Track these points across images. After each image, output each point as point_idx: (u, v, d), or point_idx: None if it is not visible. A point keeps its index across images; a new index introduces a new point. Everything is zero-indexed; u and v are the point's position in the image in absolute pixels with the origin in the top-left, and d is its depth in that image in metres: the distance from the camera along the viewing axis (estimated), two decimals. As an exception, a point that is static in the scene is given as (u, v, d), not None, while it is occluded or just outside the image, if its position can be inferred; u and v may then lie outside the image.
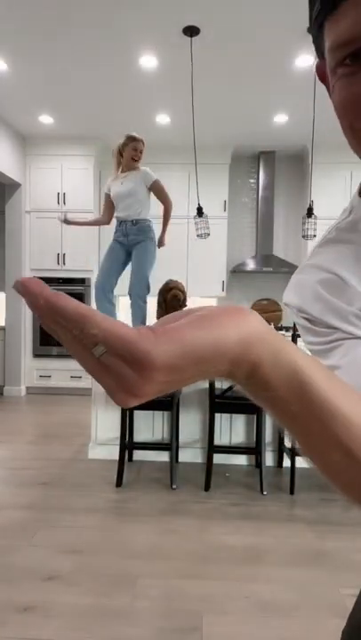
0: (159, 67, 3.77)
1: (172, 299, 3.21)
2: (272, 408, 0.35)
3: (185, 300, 3.27)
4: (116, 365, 0.27)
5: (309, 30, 0.50)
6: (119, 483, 2.80)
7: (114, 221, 3.54)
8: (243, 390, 0.35)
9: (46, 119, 4.92)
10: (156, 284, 3.50)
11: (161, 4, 2.99)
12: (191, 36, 3.30)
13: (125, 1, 2.97)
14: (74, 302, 0.26)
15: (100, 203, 5.60)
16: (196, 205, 3.86)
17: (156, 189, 3.48)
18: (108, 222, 3.60)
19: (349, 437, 0.34)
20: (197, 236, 3.87)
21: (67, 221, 3.57)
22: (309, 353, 0.54)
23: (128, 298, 3.41)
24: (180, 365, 0.28)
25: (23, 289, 0.27)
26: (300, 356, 0.33)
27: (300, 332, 0.55)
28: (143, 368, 0.27)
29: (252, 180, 5.94)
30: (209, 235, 3.89)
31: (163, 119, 4.82)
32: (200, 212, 3.79)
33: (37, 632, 1.57)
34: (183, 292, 3.27)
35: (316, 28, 0.47)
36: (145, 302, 3.40)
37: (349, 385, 0.36)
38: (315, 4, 0.46)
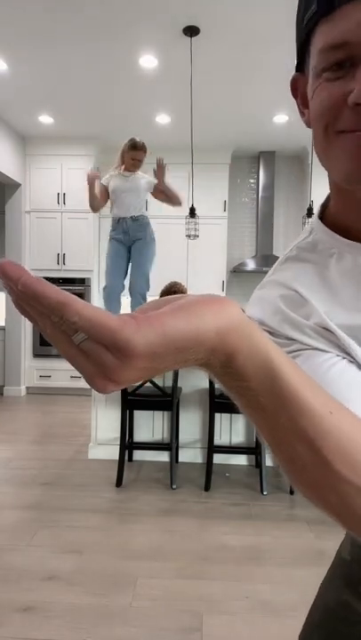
0: (159, 67, 3.77)
1: None
2: (242, 399, 0.36)
3: None
4: (97, 351, 0.27)
5: (298, 33, 0.49)
6: (119, 483, 2.80)
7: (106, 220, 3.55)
8: (215, 380, 0.35)
9: (46, 119, 4.92)
10: (155, 284, 3.50)
11: (161, 3, 2.99)
12: (191, 36, 3.30)
13: (125, 1, 2.97)
14: (54, 288, 0.26)
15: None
16: (192, 205, 3.85)
17: (158, 191, 3.53)
18: (97, 208, 3.56)
19: (314, 430, 0.35)
20: (186, 236, 3.87)
21: (90, 178, 3.41)
22: None
23: (128, 295, 3.42)
24: (160, 353, 0.28)
25: (1, 272, 0.26)
26: (273, 347, 0.34)
27: None
28: (124, 355, 0.27)
29: (252, 180, 5.94)
30: (198, 236, 3.88)
31: (163, 119, 4.82)
32: (193, 212, 3.78)
33: (37, 632, 1.57)
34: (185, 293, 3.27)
35: (306, 31, 0.46)
36: (145, 299, 3.41)
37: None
38: (310, 6, 0.45)
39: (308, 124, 0.52)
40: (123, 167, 3.42)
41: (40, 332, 0.29)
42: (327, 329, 0.50)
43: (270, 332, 0.53)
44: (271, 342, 0.35)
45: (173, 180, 5.48)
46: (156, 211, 5.11)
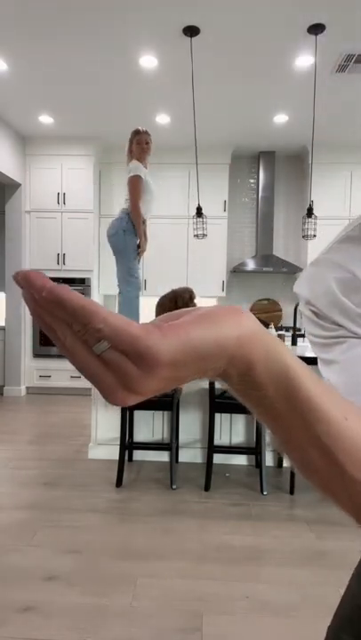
0: (159, 67, 3.77)
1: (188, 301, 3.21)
2: (258, 407, 0.36)
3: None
4: (119, 361, 0.27)
5: None
6: (119, 483, 2.80)
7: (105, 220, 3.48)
8: (231, 390, 0.35)
9: (46, 119, 4.92)
10: (156, 284, 3.50)
11: (161, 4, 2.99)
12: (191, 36, 3.30)
13: (125, 1, 2.97)
14: (80, 296, 0.26)
15: (100, 202, 5.63)
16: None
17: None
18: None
19: (328, 437, 0.35)
20: (194, 236, 3.89)
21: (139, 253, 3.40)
22: (310, 344, 0.56)
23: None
24: (183, 361, 0.28)
25: (25, 281, 0.26)
26: (290, 356, 0.34)
27: (304, 322, 0.56)
28: (148, 364, 0.27)
29: (252, 180, 5.94)
30: (206, 235, 3.90)
31: (163, 119, 4.82)
32: (199, 212, 3.80)
33: (37, 632, 1.57)
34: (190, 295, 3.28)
35: None
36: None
37: (339, 382, 0.37)
38: None
39: None
40: (134, 159, 3.32)
41: (56, 343, 0.28)
42: None
43: (316, 313, 0.53)
44: (288, 351, 0.35)
45: (173, 180, 5.50)
46: (157, 211, 5.12)
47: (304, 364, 0.36)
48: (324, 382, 0.37)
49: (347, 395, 0.40)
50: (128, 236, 3.33)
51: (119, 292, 3.44)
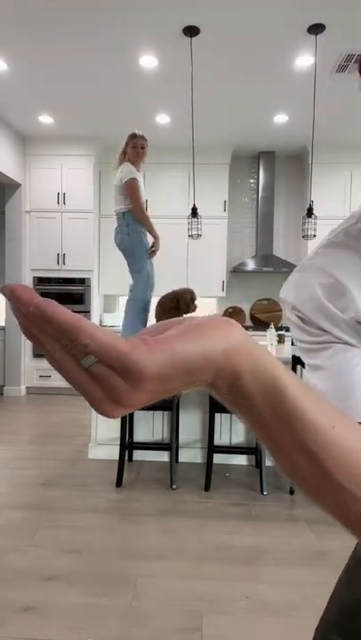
0: (159, 67, 3.77)
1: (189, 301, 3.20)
2: (247, 416, 0.36)
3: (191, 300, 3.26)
4: (106, 375, 0.27)
5: None
6: (119, 483, 2.80)
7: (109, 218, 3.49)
8: (220, 399, 0.36)
9: (46, 119, 4.92)
10: (156, 284, 3.49)
11: (161, 4, 2.99)
12: (191, 36, 3.30)
13: (125, 1, 2.97)
14: (66, 311, 0.26)
15: (100, 202, 5.62)
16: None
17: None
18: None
19: (316, 444, 0.36)
20: (189, 236, 3.88)
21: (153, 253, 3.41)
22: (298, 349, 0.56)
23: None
24: (170, 375, 0.28)
25: (12, 295, 0.26)
26: (277, 367, 0.35)
27: (290, 328, 0.57)
28: (135, 378, 0.27)
29: (252, 180, 5.94)
30: (200, 236, 3.90)
31: (163, 119, 4.82)
32: (195, 212, 3.80)
33: (37, 632, 1.57)
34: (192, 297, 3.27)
35: None
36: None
37: (326, 388, 0.38)
38: None
39: None
40: (127, 162, 3.34)
41: (46, 356, 0.29)
42: None
43: (302, 319, 0.53)
44: (275, 360, 0.35)
45: (173, 180, 5.50)
46: (157, 211, 5.13)
47: (292, 374, 0.36)
48: (313, 391, 0.37)
49: (333, 401, 0.40)
50: (134, 236, 3.33)
51: (129, 290, 3.45)
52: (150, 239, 3.41)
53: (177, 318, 0.33)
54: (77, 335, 0.26)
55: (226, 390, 0.34)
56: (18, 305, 0.26)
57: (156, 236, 3.39)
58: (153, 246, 3.39)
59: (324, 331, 0.51)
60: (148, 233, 3.38)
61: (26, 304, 0.26)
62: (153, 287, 3.42)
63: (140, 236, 3.35)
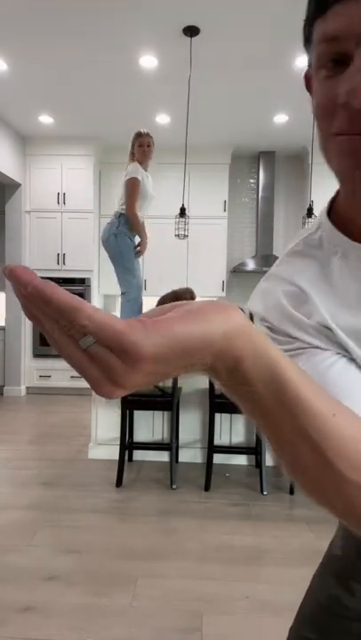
0: (159, 67, 3.77)
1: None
2: (247, 403, 0.36)
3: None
4: (104, 356, 0.28)
5: (303, 30, 0.51)
6: (119, 483, 2.80)
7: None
8: (220, 385, 0.36)
9: (46, 119, 4.92)
10: (155, 284, 3.50)
11: (161, 4, 2.99)
12: (191, 36, 3.30)
13: (125, 1, 2.97)
14: (64, 292, 0.27)
15: (100, 202, 5.62)
16: (186, 205, 3.80)
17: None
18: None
19: (318, 432, 0.35)
20: (175, 235, 3.77)
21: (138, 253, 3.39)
22: None
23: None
24: (167, 356, 0.28)
25: (12, 276, 0.27)
26: (277, 352, 0.35)
27: None
28: (132, 358, 0.27)
29: (252, 180, 5.94)
30: (187, 236, 3.79)
31: (163, 119, 4.82)
32: (183, 212, 3.72)
33: (37, 632, 1.57)
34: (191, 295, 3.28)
35: (309, 28, 0.48)
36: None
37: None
38: (311, 5, 0.47)
39: None
40: (135, 161, 3.32)
41: (46, 336, 0.29)
42: (328, 327, 0.51)
43: (270, 329, 0.54)
44: (275, 347, 0.35)
45: (173, 180, 5.50)
46: (157, 211, 5.12)
47: (292, 361, 0.36)
48: (311, 379, 0.37)
49: None
50: (121, 238, 3.29)
51: (121, 294, 3.43)
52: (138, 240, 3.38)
53: (176, 302, 0.33)
54: (75, 316, 0.26)
55: (226, 375, 0.33)
56: (18, 285, 0.27)
57: (143, 237, 3.33)
58: (139, 245, 3.35)
59: (294, 338, 0.51)
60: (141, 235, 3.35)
61: (25, 284, 0.26)
62: (142, 287, 3.47)
63: (126, 239, 3.30)
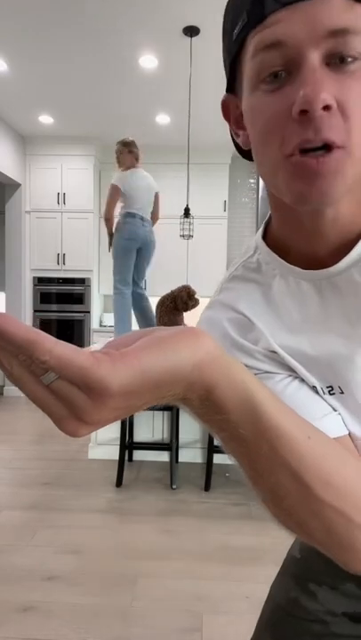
0: (159, 67, 3.77)
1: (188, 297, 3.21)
2: (222, 432, 0.35)
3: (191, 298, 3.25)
4: (68, 392, 0.26)
5: (228, 49, 0.47)
6: (119, 483, 2.80)
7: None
8: (194, 415, 0.35)
9: (46, 119, 4.92)
10: (155, 284, 3.51)
11: (161, 4, 2.99)
12: (191, 36, 3.30)
13: (125, 1, 2.97)
14: (23, 326, 0.25)
15: (101, 201, 5.62)
16: (187, 205, 3.86)
17: (157, 200, 3.73)
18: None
19: (294, 456, 0.35)
20: (180, 236, 3.87)
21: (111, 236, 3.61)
22: None
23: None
24: (136, 391, 0.27)
25: None
26: (249, 376, 0.34)
27: None
28: (99, 394, 0.26)
29: (252, 180, 5.94)
30: (192, 236, 3.89)
31: (163, 119, 4.82)
32: (187, 212, 3.78)
33: (37, 632, 1.57)
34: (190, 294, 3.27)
35: (237, 46, 0.44)
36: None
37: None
38: (238, 20, 0.43)
39: (247, 145, 0.49)
40: (126, 167, 3.55)
41: (3, 372, 0.27)
42: (274, 351, 0.51)
43: None
44: (247, 371, 0.34)
45: (173, 180, 5.50)
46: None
47: (263, 385, 0.36)
48: (282, 402, 0.37)
49: None
50: (114, 240, 3.56)
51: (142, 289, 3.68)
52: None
53: (145, 329, 0.31)
54: (34, 351, 0.25)
55: (198, 404, 0.32)
56: None
57: (110, 232, 3.62)
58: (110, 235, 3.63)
59: (245, 365, 0.53)
60: (131, 236, 3.54)
61: None
62: (127, 284, 3.63)
63: (117, 239, 3.54)
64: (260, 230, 0.57)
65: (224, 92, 0.56)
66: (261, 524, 2.37)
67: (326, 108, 0.37)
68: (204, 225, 5.47)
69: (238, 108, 0.50)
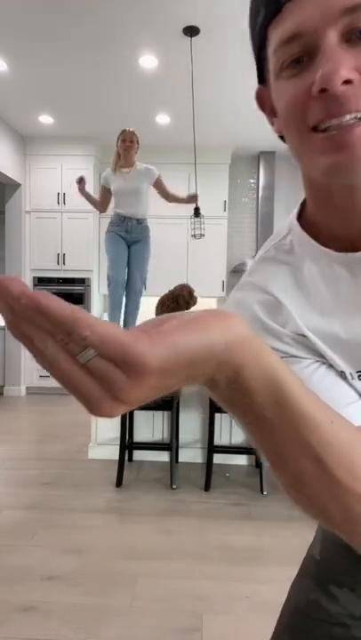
0: (159, 67, 3.77)
1: (188, 295, 3.21)
2: (246, 416, 0.35)
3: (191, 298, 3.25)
4: (106, 369, 0.26)
5: (253, 42, 0.51)
6: (119, 483, 2.80)
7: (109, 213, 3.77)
8: (217, 399, 0.34)
9: (46, 119, 4.92)
10: (155, 284, 3.51)
11: (161, 4, 2.99)
12: (191, 36, 3.30)
13: (125, 1, 2.97)
14: (63, 302, 0.25)
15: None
16: (197, 205, 3.85)
17: (160, 185, 3.74)
18: (103, 211, 3.89)
19: (318, 441, 0.35)
20: (192, 236, 3.85)
21: (80, 183, 3.75)
22: None
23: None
24: (172, 369, 0.27)
25: (1, 288, 0.24)
26: (276, 360, 0.34)
27: None
28: (137, 371, 0.26)
29: (252, 180, 5.94)
30: (204, 235, 3.88)
31: (163, 119, 4.82)
32: (197, 212, 3.79)
33: (37, 632, 1.57)
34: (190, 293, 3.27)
35: (260, 38, 0.48)
36: (141, 297, 3.73)
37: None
38: (259, 13, 0.46)
39: (280, 132, 0.52)
40: (118, 162, 3.58)
41: (34, 355, 0.26)
42: (303, 335, 0.50)
43: None
44: (274, 355, 0.34)
45: (173, 181, 5.49)
46: (156, 211, 5.12)
47: (289, 368, 0.36)
48: (307, 386, 0.37)
49: None
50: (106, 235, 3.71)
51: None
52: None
53: (172, 313, 0.32)
54: (76, 327, 0.25)
55: (225, 387, 0.33)
56: (7, 298, 0.24)
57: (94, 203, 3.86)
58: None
59: (273, 349, 0.53)
60: (124, 234, 3.67)
61: (17, 296, 0.24)
62: (115, 279, 3.77)
63: (107, 236, 3.69)
64: (295, 212, 0.57)
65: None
66: (261, 524, 2.38)
67: (347, 82, 0.39)
68: (205, 225, 5.46)
69: (270, 97, 0.52)
